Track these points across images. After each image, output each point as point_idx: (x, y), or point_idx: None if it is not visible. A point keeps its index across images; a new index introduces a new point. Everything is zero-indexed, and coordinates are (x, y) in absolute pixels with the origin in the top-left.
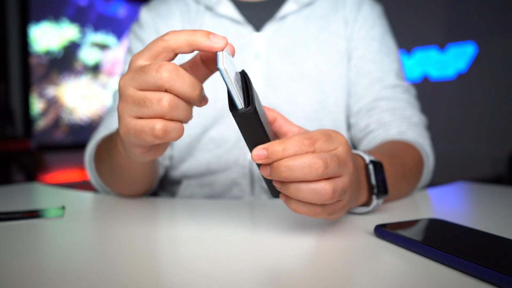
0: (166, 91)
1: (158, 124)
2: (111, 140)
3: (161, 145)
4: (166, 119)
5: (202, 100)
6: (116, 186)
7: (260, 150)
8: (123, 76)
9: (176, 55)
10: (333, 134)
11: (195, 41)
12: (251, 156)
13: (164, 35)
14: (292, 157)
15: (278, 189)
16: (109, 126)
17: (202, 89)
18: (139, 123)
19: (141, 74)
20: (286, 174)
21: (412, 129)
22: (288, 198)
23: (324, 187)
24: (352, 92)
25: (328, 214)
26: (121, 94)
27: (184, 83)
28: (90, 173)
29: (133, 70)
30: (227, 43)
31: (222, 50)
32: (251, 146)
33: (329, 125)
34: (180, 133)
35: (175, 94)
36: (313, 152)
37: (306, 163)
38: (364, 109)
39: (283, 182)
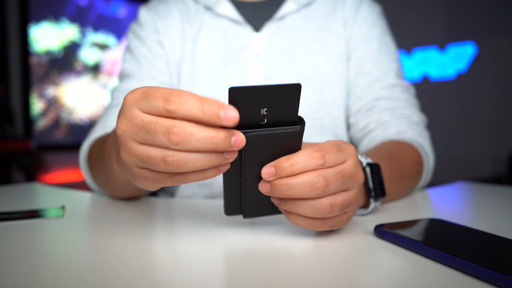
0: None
1: (175, 175)
2: (104, 153)
3: None
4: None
5: (231, 146)
6: (111, 191)
7: (268, 168)
8: (121, 123)
9: None
10: (343, 146)
11: (204, 119)
12: (262, 173)
13: (169, 101)
14: (294, 176)
15: (276, 205)
16: (105, 125)
17: (226, 137)
18: (153, 172)
19: (147, 134)
20: (287, 192)
21: (412, 128)
22: (287, 212)
23: (321, 201)
24: (351, 92)
25: (330, 227)
26: (121, 143)
27: (196, 140)
28: (85, 174)
29: (134, 123)
30: (238, 116)
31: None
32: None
33: (329, 125)
34: (202, 176)
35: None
36: (323, 164)
37: (307, 182)
38: (363, 108)
39: (282, 198)
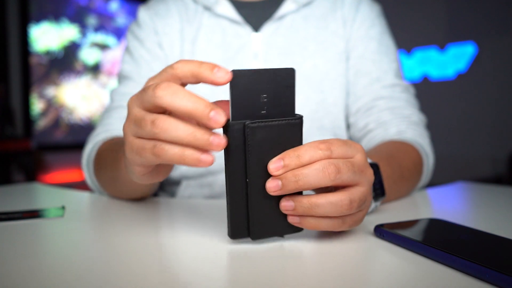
0: (167, 111)
1: (158, 143)
2: (117, 152)
3: (162, 169)
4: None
5: (208, 117)
6: (115, 193)
7: (276, 161)
8: (133, 95)
9: (184, 84)
10: (349, 142)
11: (200, 73)
12: (269, 169)
13: (175, 63)
14: (306, 166)
15: (290, 213)
16: (107, 128)
17: (207, 106)
18: (141, 141)
19: (142, 94)
20: (301, 182)
21: (412, 128)
22: (303, 218)
23: (341, 197)
24: (351, 92)
25: (349, 226)
26: (128, 112)
27: (179, 98)
28: (87, 174)
29: (140, 90)
30: (231, 77)
31: (225, 84)
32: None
33: (328, 125)
34: (181, 155)
35: (173, 112)
36: (330, 155)
37: (319, 169)
38: (363, 108)
39: (297, 199)
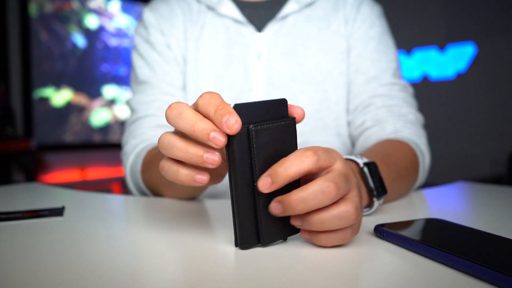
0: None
1: (162, 161)
2: None
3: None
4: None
5: (208, 139)
6: (173, 195)
7: (264, 178)
8: None
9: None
10: (329, 149)
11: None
12: (258, 187)
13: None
14: (302, 188)
15: (299, 226)
16: (142, 138)
17: (206, 128)
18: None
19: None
20: (300, 207)
21: (408, 127)
22: (313, 235)
23: (346, 208)
24: (350, 90)
25: (356, 232)
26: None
27: (181, 120)
28: (132, 187)
29: None
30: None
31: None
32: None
33: (331, 123)
34: (175, 171)
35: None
36: (318, 160)
37: (318, 190)
38: (361, 106)
39: (304, 218)
